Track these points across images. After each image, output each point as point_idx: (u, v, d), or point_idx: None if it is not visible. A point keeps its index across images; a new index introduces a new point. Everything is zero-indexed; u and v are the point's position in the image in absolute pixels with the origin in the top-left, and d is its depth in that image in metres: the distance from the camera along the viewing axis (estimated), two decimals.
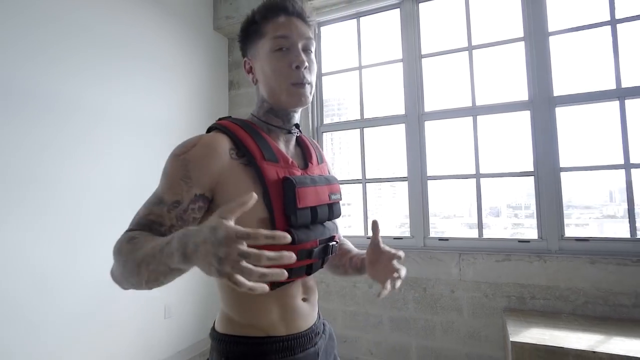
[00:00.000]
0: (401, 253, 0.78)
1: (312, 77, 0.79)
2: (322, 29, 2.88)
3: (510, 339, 1.66)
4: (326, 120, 2.87)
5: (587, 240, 1.99)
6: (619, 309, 1.85)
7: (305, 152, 0.86)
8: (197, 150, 0.68)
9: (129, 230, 0.65)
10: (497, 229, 2.49)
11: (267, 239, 0.46)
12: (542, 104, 2.12)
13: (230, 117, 0.80)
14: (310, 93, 0.79)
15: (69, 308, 1.92)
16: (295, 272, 0.73)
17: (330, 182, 0.83)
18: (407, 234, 2.42)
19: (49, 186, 1.87)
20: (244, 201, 0.49)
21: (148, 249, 0.55)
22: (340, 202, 0.86)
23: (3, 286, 1.68)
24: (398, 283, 0.74)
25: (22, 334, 1.73)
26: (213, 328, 0.78)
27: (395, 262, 0.76)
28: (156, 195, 0.67)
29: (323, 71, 2.86)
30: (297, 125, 0.84)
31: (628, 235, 1.96)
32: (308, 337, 0.78)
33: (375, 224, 0.82)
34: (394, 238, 2.43)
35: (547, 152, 2.10)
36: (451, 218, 2.61)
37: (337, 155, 3.00)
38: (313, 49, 0.80)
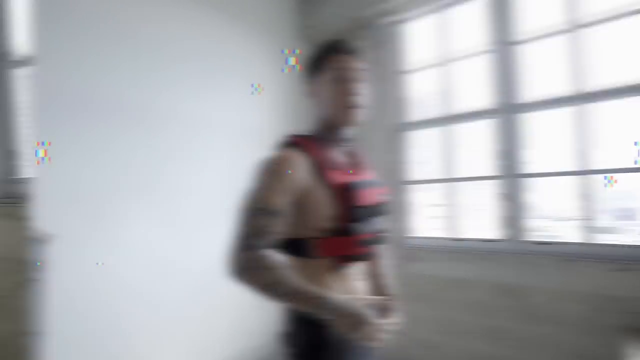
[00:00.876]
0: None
1: (361, 101, 0.99)
2: (403, 26, 2.84)
3: None
4: (410, 118, 2.81)
5: None
6: None
7: (356, 160, 1.06)
8: (285, 167, 0.91)
9: (254, 246, 0.84)
10: (634, 235, 2.12)
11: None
12: None
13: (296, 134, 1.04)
14: (360, 115, 0.99)
15: (181, 292, 2.26)
16: (354, 257, 0.95)
17: (377, 185, 1.04)
18: (499, 236, 2.23)
19: (165, 189, 2.24)
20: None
21: (291, 290, 0.82)
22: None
23: (134, 273, 2.07)
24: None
25: (146, 311, 2.10)
26: None
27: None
28: (261, 208, 0.87)
29: (405, 69, 2.81)
30: (348, 139, 1.04)
31: None
32: None
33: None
34: (483, 241, 2.26)
35: None
36: (568, 220, 2.29)
37: (426, 152, 2.89)
38: (362, 79, 1.00)
